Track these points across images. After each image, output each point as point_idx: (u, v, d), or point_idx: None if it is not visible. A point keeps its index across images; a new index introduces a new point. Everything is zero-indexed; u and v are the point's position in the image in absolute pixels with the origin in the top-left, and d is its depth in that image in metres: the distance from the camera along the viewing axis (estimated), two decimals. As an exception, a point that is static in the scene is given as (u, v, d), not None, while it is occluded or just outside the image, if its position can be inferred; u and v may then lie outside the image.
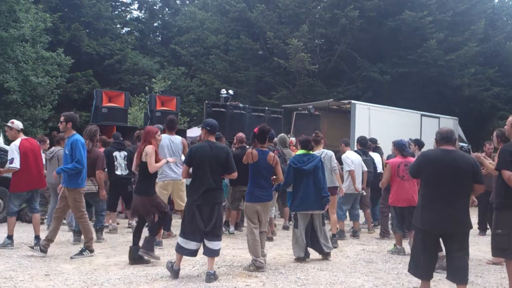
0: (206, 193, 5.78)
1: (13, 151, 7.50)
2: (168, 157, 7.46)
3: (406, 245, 7.92)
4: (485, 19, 23.37)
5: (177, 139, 7.97)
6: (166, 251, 7.35)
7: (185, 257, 6.71)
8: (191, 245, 5.79)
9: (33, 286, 5.36)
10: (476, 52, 22.65)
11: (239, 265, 6.53)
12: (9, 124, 7.83)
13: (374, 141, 11.29)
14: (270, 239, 8.24)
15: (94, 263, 6.57)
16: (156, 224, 6.65)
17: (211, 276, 5.65)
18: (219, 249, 5.89)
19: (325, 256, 7.12)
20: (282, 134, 10.50)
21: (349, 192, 9.00)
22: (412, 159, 8.18)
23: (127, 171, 9.27)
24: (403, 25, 22.61)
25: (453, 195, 4.86)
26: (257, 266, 6.22)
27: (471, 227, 4.99)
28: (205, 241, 5.83)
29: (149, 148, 6.37)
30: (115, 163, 9.22)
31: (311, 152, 7.23)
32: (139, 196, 6.53)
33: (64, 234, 8.86)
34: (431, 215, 4.91)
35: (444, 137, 5.07)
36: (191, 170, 5.96)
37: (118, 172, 9.23)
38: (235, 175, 6.11)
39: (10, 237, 7.57)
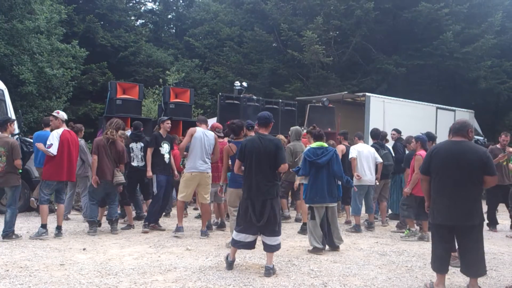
0: (257, 188, 5.69)
1: (54, 137, 7.67)
2: (199, 148, 7.77)
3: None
4: (502, 11, 22.96)
5: (211, 134, 8.14)
6: (184, 240, 7.41)
7: (199, 249, 6.75)
8: (246, 237, 5.77)
9: (48, 276, 5.40)
10: (493, 45, 22.27)
11: (251, 256, 6.53)
12: (54, 113, 8.09)
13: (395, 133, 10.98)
14: None
15: (109, 253, 6.62)
16: None
17: (270, 271, 5.63)
18: (277, 244, 5.81)
19: (335, 249, 7.13)
20: (297, 127, 10.08)
21: (359, 184, 8.99)
22: None
23: (143, 162, 9.08)
24: (419, 17, 22.32)
25: (461, 187, 4.81)
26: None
27: (482, 220, 4.96)
28: (263, 236, 5.80)
29: None
30: (132, 154, 9.16)
31: (325, 144, 7.26)
32: None
33: (79, 225, 8.95)
34: (442, 208, 4.90)
35: (455, 128, 5.04)
36: (243, 167, 5.92)
37: (134, 164, 9.17)
38: (284, 167, 5.90)
39: (44, 226, 7.62)
